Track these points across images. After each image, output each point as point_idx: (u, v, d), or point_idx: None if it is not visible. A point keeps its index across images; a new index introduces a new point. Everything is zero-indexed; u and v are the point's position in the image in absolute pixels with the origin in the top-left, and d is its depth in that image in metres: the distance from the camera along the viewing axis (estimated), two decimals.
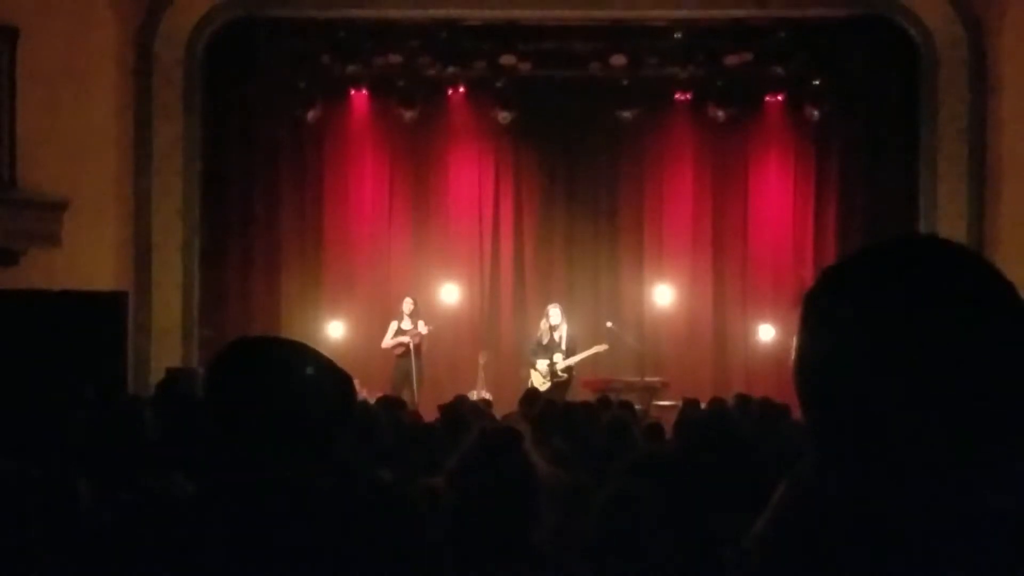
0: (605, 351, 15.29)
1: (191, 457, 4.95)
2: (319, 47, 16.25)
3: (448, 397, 10.67)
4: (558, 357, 15.10)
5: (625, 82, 16.33)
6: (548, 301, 15.85)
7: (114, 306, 13.07)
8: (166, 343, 15.56)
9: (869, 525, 1.33)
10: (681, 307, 16.74)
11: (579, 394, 14.13)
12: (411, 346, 15.14)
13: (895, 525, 1.32)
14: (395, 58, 16.34)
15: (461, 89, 16.71)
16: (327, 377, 2.37)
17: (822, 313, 1.40)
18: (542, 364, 15.10)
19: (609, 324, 15.51)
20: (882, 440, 1.33)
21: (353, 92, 16.77)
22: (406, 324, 15.37)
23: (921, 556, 1.31)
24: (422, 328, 15.27)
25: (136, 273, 15.51)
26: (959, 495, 1.31)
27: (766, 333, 16.38)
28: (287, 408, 2.30)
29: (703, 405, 10.45)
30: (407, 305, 15.47)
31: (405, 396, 13.53)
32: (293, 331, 16.30)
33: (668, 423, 8.95)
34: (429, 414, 10.11)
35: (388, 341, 15.34)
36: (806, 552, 1.36)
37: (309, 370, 2.35)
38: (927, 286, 1.34)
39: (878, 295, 1.35)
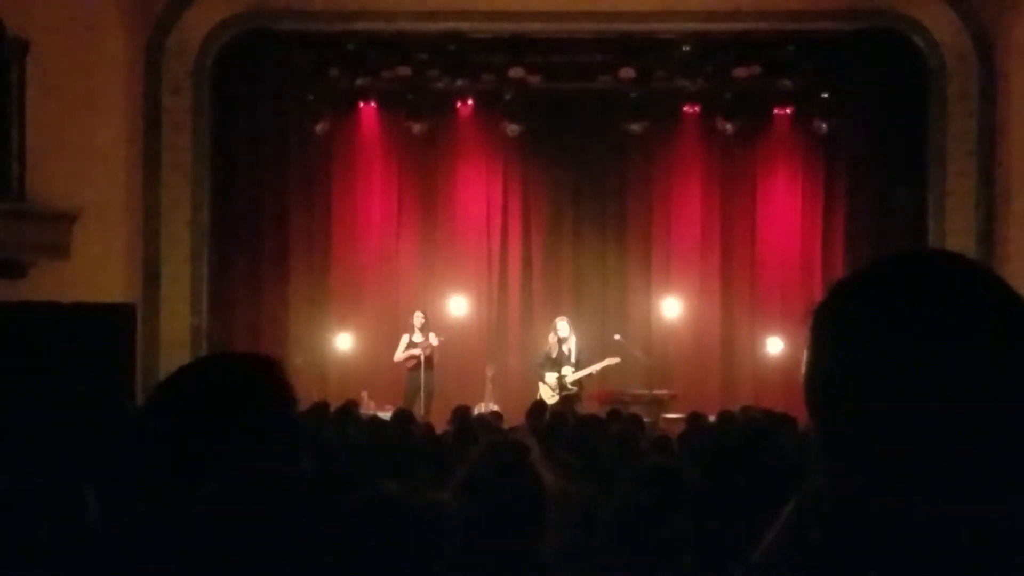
0: (614, 364, 15.27)
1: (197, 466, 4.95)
2: (328, 60, 16.28)
3: None
4: (567, 370, 15.07)
5: (633, 95, 16.33)
6: (556, 314, 15.84)
7: (123, 318, 13.08)
8: (175, 355, 15.55)
9: (878, 541, 1.32)
10: (689, 320, 16.73)
11: (587, 407, 14.12)
12: (423, 358, 15.12)
13: (905, 541, 1.31)
14: (404, 71, 16.35)
15: (469, 102, 16.73)
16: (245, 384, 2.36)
17: (831, 327, 1.40)
18: (551, 377, 15.08)
19: (617, 337, 15.49)
20: (892, 455, 1.32)
21: (362, 105, 16.80)
22: (417, 337, 15.36)
23: (931, 573, 1.31)
24: (434, 340, 15.26)
25: (145, 285, 15.53)
26: (971, 511, 1.31)
27: (774, 345, 16.35)
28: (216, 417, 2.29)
29: (711, 418, 10.44)
30: (418, 318, 15.46)
31: (416, 408, 13.57)
32: (301, 343, 16.35)
33: (676, 436, 8.95)
34: (440, 426, 10.13)
35: (400, 354, 15.31)
36: (815, 568, 1.36)
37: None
38: (936, 300, 1.34)
39: (887, 309, 1.35)
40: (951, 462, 1.31)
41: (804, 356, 1.42)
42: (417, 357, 15.17)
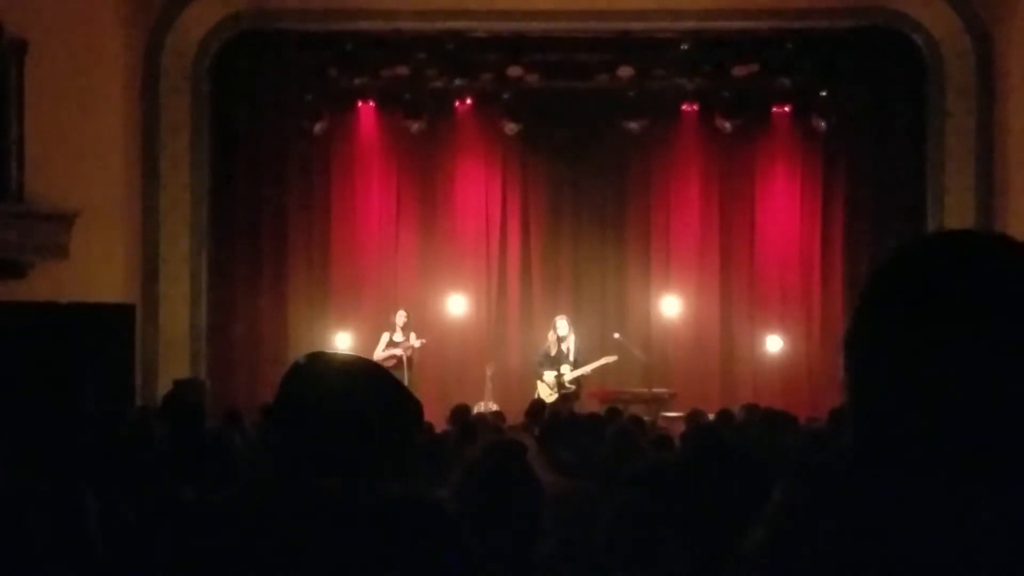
0: (613, 362, 15.29)
1: (199, 468, 4.95)
2: (326, 59, 16.27)
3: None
4: (566, 368, 15.08)
5: (632, 93, 16.33)
6: (555, 312, 15.84)
7: (122, 318, 13.10)
8: (174, 355, 15.58)
9: (899, 517, 1.32)
10: (688, 318, 16.72)
11: (586, 405, 14.12)
12: (403, 358, 15.10)
13: (926, 520, 1.31)
14: (402, 70, 16.36)
15: (468, 101, 16.73)
16: (393, 399, 2.40)
17: (886, 292, 1.39)
18: (549, 376, 15.08)
19: (616, 335, 15.50)
20: (922, 431, 1.32)
21: (360, 104, 16.80)
22: (398, 336, 15.36)
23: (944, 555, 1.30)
24: (414, 341, 15.25)
25: (144, 285, 15.54)
26: (994, 496, 1.30)
27: (774, 343, 16.37)
28: (332, 421, 2.32)
29: (711, 416, 10.44)
30: (400, 317, 15.46)
31: None
32: (300, 343, 16.34)
33: (676, 434, 8.95)
34: (437, 425, 10.12)
35: (380, 352, 15.27)
36: (813, 560, 1.36)
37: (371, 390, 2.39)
38: (996, 282, 1.34)
39: (938, 284, 1.35)
40: (976, 442, 1.31)
41: (850, 327, 1.42)
42: (398, 357, 15.14)
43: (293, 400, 2.39)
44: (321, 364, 2.47)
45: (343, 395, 2.36)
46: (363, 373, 2.46)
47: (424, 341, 15.33)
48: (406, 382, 14.71)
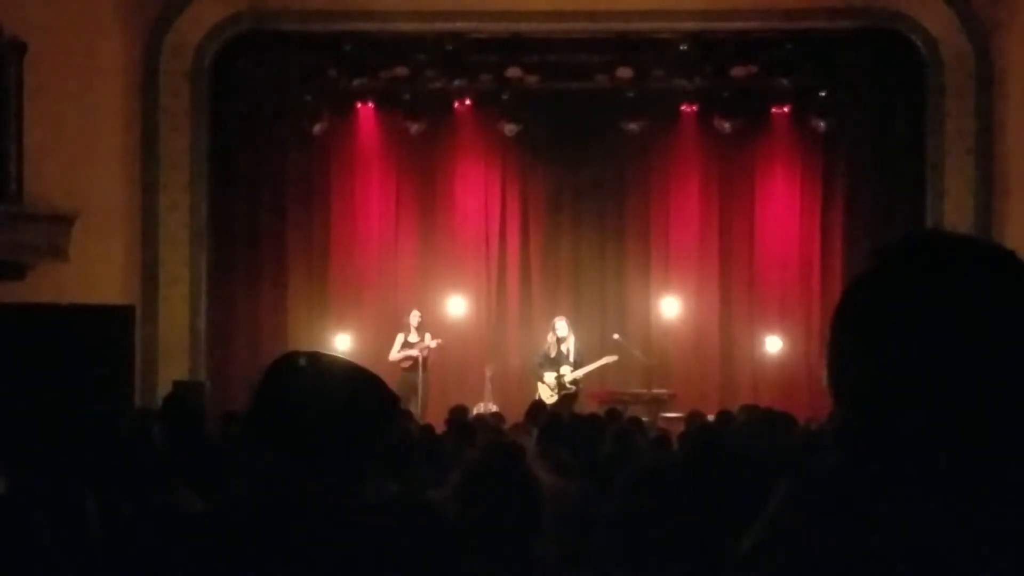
0: (613, 363, 15.29)
1: (198, 470, 4.96)
2: (326, 61, 16.28)
3: None
4: (566, 369, 15.08)
5: (631, 94, 16.32)
6: (555, 313, 15.85)
7: (121, 320, 13.08)
8: (173, 357, 15.58)
9: (888, 530, 1.32)
10: (688, 319, 16.72)
11: (586, 406, 14.12)
12: (419, 359, 15.11)
13: (917, 531, 1.31)
14: (401, 71, 16.36)
15: (467, 102, 16.72)
16: (366, 391, 2.40)
17: (862, 311, 1.39)
18: (549, 377, 15.08)
19: (616, 336, 15.51)
20: (917, 445, 1.33)
21: (359, 105, 16.78)
22: (413, 337, 15.34)
23: (936, 564, 1.30)
24: (430, 342, 15.24)
25: (143, 287, 15.54)
26: (976, 504, 1.31)
27: (773, 344, 16.37)
28: (325, 421, 2.32)
29: (710, 417, 10.45)
30: (414, 318, 15.45)
31: (411, 409, 13.53)
32: (300, 344, 16.31)
33: (676, 435, 8.95)
34: (438, 427, 10.13)
35: (396, 354, 15.28)
36: (813, 561, 1.36)
37: (345, 382, 2.39)
38: (971, 288, 1.34)
39: (915, 295, 1.35)
40: (975, 442, 1.31)
41: (831, 336, 1.41)
42: (414, 358, 15.13)
43: (282, 402, 2.39)
44: (309, 364, 2.47)
45: (329, 394, 2.37)
46: (347, 371, 2.46)
47: (440, 341, 15.32)
48: (420, 383, 14.81)
